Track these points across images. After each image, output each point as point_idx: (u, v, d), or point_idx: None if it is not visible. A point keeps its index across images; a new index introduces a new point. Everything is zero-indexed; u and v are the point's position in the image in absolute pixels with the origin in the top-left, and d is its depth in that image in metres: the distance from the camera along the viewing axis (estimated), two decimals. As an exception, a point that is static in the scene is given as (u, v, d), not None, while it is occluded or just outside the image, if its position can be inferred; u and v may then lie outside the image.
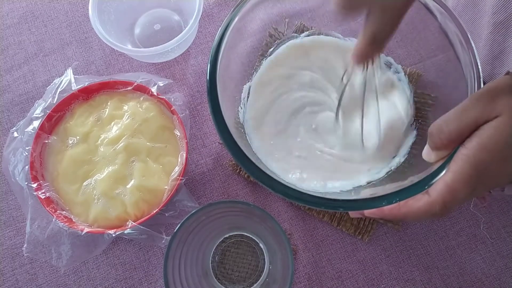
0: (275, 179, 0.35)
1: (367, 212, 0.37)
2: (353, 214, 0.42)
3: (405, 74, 0.48)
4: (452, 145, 0.32)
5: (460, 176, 0.30)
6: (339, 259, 0.49)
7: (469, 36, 0.38)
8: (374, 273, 0.48)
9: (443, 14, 0.39)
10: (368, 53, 0.35)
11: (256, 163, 0.36)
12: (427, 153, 0.34)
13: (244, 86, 0.48)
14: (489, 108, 0.30)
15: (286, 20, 0.49)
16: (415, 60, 0.46)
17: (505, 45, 0.46)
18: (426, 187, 0.32)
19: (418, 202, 0.33)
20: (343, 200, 0.35)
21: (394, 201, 0.33)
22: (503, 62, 0.47)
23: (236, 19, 0.40)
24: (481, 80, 0.36)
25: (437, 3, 0.39)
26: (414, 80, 0.48)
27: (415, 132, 0.45)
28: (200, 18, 0.50)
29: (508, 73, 0.31)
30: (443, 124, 0.32)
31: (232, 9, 0.40)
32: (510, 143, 0.29)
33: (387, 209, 0.35)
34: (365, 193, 0.40)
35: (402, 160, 0.44)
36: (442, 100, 0.43)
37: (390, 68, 0.48)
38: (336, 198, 0.34)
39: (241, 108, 0.47)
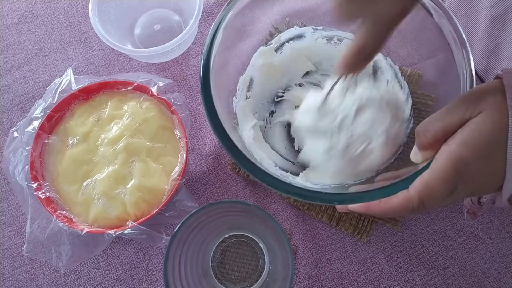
0: (265, 171, 0.35)
1: (351, 207, 0.37)
2: (340, 208, 0.42)
3: (402, 75, 0.47)
4: (437, 145, 0.31)
5: (438, 173, 0.30)
6: (339, 259, 0.49)
7: (464, 36, 0.37)
8: (374, 273, 0.48)
9: (438, 13, 0.39)
10: (355, 64, 0.35)
11: (253, 160, 0.36)
12: (414, 154, 0.34)
13: (241, 77, 0.48)
14: (473, 107, 0.29)
15: (287, 19, 0.49)
16: (415, 60, 0.46)
17: (500, 39, 0.45)
18: (409, 185, 0.32)
19: (398, 198, 0.32)
20: (326, 193, 0.35)
21: (376, 198, 0.33)
22: (498, 56, 0.47)
23: (229, 15, 0.40)
24: (474, 79, 0.36)
25: (433, 2, 0.39)
26: (415, 81, 0.48)
27: (408, 132, 0.45)
28: (200, 18, 0.51)
29: (497, 77, 0.31)
30: (429, 123, 0.31)
31: (224, 6, 0.40)
32: (491, 140, 0.28)
33: (371, 204, 0.35)
34: (354, 189, 0.40)
35: (393, 159, 0.44)
36: (441, 100, 0.43)
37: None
38: (319, 191, 0.35)
39: (236, 98, 0.47)
